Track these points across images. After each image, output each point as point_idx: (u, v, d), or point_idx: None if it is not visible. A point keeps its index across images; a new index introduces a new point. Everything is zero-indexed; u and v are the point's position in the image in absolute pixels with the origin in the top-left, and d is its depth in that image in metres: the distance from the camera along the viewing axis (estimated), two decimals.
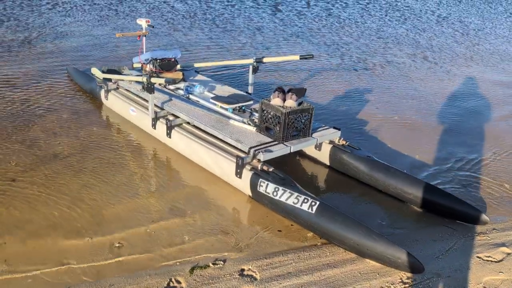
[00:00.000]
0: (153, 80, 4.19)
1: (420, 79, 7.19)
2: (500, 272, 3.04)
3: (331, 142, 4.15)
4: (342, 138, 4.14)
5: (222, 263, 2.97)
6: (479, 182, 4.20)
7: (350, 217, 3.08)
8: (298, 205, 3.22)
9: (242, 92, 4.84)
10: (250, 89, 5.09)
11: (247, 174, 3.56)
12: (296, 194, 3.26)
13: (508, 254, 3.23)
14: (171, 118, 4.36)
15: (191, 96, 4.63)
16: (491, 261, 3.15)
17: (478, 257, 3.18)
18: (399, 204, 3.74)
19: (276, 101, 3.80)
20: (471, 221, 3.51)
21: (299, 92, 3.87)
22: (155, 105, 4.43)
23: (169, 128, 4.24)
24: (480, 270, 3.05)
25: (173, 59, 5.10)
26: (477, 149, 4.89)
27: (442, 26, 11.45)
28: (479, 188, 4.11)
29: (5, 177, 3.70)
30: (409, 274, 2.92)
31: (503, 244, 3.33)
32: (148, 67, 5.03)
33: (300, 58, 4.92)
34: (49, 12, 9.42)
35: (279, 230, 3.33)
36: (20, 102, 5.13)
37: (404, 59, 8.23)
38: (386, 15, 12.16)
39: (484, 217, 3.47)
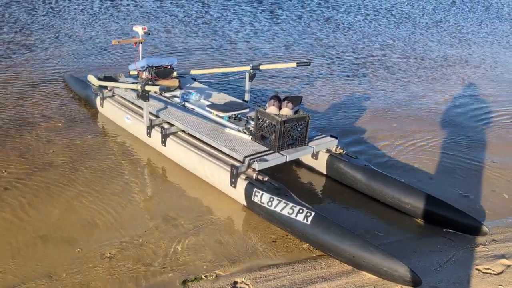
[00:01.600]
0: (147, 88, 4.14)
1: (419, 86, 7.14)
2: (499, 285, 2.97)
3: (328, 150, 4.10)
4: (339, 147, 4.09)
5: (215, 275, 2.90)
6: (480, 191, 4.14)
7: (346, 228, 3.02)
8: (293, 216, 3.16)
9: (238, 100, 4.79)
10: (247, 97, 5.05)
11: (241, 183, 3.51)
12: (291, 204, 3.20)
13: (508, 266, 3.16)
14: (166, 126, 4.32)
15: (187, 104, 4.58)
16: (491, 273, 3.08)
17: (477, 269, 3.11)
18: (397, 214, 3.68)
19: (271, 109, 3.76)
20: (471, 232, 3.44)
21: (295, 100, 3.82)
22: (150, 113, 4.39)
23: (164, 136, 4.19)
24: (479, 283, 2.98)
25: (169, 66, 5.06)
26: (477, 157, 4.83)
27: (438, 32, 11.43)
28: (479, 197, 4.05)
29: None
30: (406, 287, 2.85)
31: (503, 256, 3.26)
32: (144, 75, 4.99)
33: (297, 65, 4.88)
34: (45, 18, 9.41)
35: (273, 241, 3.27)
36: (14, 109, 5.08)
37: (402, 65, 8.19)
38: (383, 21, 12.15)
39: (484, 228, 3.40)
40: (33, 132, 4.58)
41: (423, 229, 3.54)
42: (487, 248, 3.34)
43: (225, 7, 11.98)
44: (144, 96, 4.13)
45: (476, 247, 3.34)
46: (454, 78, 7.80)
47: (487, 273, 3.08)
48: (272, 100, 3.79)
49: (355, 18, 12.29)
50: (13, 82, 5.88)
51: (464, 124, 5.78)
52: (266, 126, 3.76)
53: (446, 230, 3.49)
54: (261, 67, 4.96)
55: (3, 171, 3.87)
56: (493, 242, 3.42)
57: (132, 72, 5.34)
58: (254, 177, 3.51)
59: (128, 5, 11.34)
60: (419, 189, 3.67)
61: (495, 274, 3.07)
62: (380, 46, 9.48)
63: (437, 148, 5.01)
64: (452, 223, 3.46)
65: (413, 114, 5.98)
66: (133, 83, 4.86)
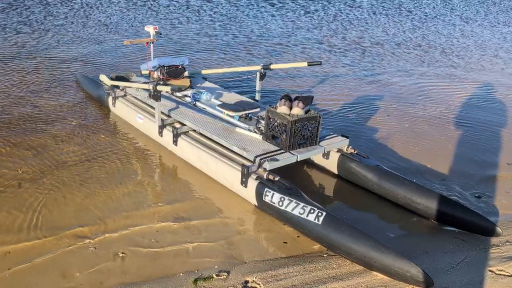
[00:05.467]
0: (159, 88, 4.17)
1: (432, 85, 7.08)
2: None
3: (339, 150, 4.08)
4: (350, 146, 4.07)
5: (226, 274, 2.91)
6: (494, 192, 4.09)
7: (357, 229, 3.01)
8: (304, 216, 3.15)
9: (249, 99, 4.80)
10: (258, 96, 5.05)
11: (252, 183, 3.51)
12: (302, 204, 3.20)
13: None
14: (177, 125, 4.34)
15: (198, 104, 4.61)
16: (504, 275, 3.04)
17: (490, 270, 3.08)
18: (409, 215, 3.65)
19: (282, 109, 3.76)
20: (484, 233, 3.40)
21: (306, 100, 3.82)
22: (162, 113, 4.41)
23: (176, 136, 4.22)
24: (492, 284, 2.95)
25: (180, 66, 5.09)
26: (492, 158, 4.77)
27: (455, 30, 11.31)
28: (493, 198, 4.00)
29: (11, 184, 3.71)
30: None
31: None
32: (156, 74, 5.03)
33: (308, 65, 4.87)
34: (58, 18, 9.52)
35: (284, 242, 3.27)
36: (28, 109, 5.15)
37: (415, 65, 8.13)
38: (395, 19, 12.06)
39: (497, 229, 3.35)
40: (46, 131, 4.64)
41: (435, 230, 3.51)
42: (500, 249, 3.30)
43: (235, 5, 11.98)
44: (156, 96, 4.16)
45: (489, 248, 3.31)
46: (472, 77, 7.71)
47: (500, 274, 3.05)
48: (283, 100, 3.78)
49: (367, 17, 12.20)
50: (26, 82, 5.96)
51: (480, 125, 5.71)
52: (277, 126, 3.76)
53: (460, 231, 3.45)
54: (272, 66, 4.96)
55: (19, 169, 3.92)
56: (507, 243, 3.38)
57: (143, 72, 5.38)
58: (265, 177, 3.51)
59: (139, 5, 11.41)
60: (431, 189, 3.64)
61: (508, 276, 3.03)
62: (392, 43, 9.41)
63: (451, 149, 4.96)
64: (465, 223, 3.42)
65: (426, 113, 5.92)
66: (144, 82, 4.90)
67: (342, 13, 12.45)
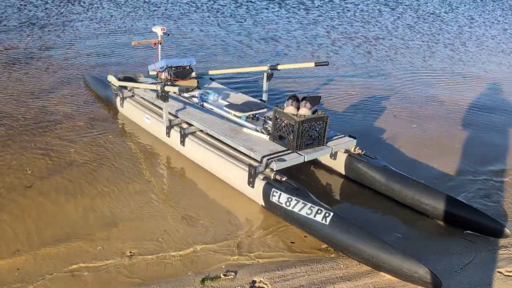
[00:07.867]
0: (167, 88, 4.19)
1: (439, 84, 7.05)
2: None
3: (346, 151, 4.08)
4: (358, 147, 4.07)
5: (234, 274, 2.92)
6: (502, 194, 4.06)
7: (365, 229, 3.01)
8: (311, 216, 3.15)
9: (256, 100, 4.80)
10: (264, 97, 5.06)
11: (259, 183, 3.52)
12: (309, 204, 3.20)
13: None
14: (185, 126, 4.36)
15: (205, 104, 4.62)
16: None
17: (499, 272, 3.06)
18: (416, 216, 3.64)
19: (289, 109, 3.76)
20: (492, 234, 3.38)
21: (314, 100, 3.81)
22: (170, 113, 4.43)
23: (183, 136, 4.24)
24: (500, 286, 2.93)
25: (188, 67, 5.11)
26: (498, 159, 4.74)
27: (463, 30, 11.24)
28: (501, 200, 3.97)
29: (20, 185, 3.74)
30: None
31: None
32: (163, 75, 5.05)
33: (315, 65, 4.86)
34: (66, 19, 9.58)
35: (292, 242, 3.27)
36: (37, 109, 5.20)
37: (422, 65, 8.09)
38: (402, 17, 12.01)
39: (506, 230, 3.33)
40: (55, 132, 4.68)
41: (443, 231, 3.49)
42: (509, 250, 3.28)
43: (241, 6, 12.00)
44: (164, 96, 4.18)
45: (498, 249, 3.29)
46: (480, 76, 7.66)
47: (509, 275, 3.03)
48: (290, 100, 3.79)
49: (374, 17, 12.16)
50: (35, 83, 6.01)
51: (487, 124, 5.67)
52: (284, 126, 3.77)
53: (468, 232, 3.44)
54: (279, 67, 4.96)
55: (27, 169, 3.96)
56: None
57: (151, 73, 5.41)
58: (272, 177, 3.51)
59: (147, 6, 11.47)
60: (439, 190, 3.62)
61: None
62: (400, 45, 9.37)
63: (458, 149, 4.93)
64: (474, 224, 3.41)
65: (433, 113, 5.89)
66: (152, 83, 4.92)
67: (343, 10, 12.42)
